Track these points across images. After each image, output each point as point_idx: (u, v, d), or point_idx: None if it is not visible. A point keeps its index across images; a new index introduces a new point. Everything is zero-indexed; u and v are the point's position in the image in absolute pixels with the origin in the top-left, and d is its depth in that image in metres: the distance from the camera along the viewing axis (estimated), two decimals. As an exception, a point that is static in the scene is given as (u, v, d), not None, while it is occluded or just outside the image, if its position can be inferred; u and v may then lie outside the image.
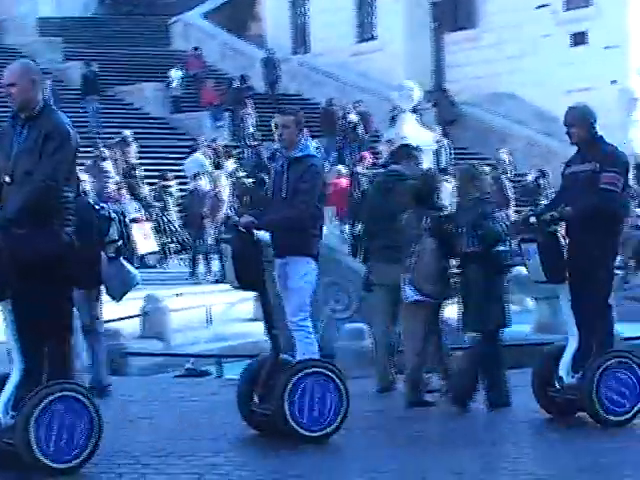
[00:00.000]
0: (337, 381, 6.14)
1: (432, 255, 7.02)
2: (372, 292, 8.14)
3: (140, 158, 22.11)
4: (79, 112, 23.89)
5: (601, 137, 6.59)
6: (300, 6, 31.27)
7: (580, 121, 6.59)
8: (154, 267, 18.63)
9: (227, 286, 9.20)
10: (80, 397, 5.19)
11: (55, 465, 5.05)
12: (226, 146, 22.91)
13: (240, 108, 24.98)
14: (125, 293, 7.15)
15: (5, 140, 5.36)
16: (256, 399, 6.27)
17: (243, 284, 6.31)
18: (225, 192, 18.41)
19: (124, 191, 18.47)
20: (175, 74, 27.09)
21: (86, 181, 12.79)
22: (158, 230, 18.76)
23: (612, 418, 6.24)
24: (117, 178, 19.19)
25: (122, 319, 12.99)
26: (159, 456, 5.74)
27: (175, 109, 27.20)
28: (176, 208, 19.60)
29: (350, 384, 6.49)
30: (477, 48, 26.15)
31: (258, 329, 10.13)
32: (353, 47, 29.54)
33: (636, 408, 6.32)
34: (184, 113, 26.96)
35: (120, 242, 7.05)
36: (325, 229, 8.22)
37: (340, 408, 6.09)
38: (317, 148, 17.04)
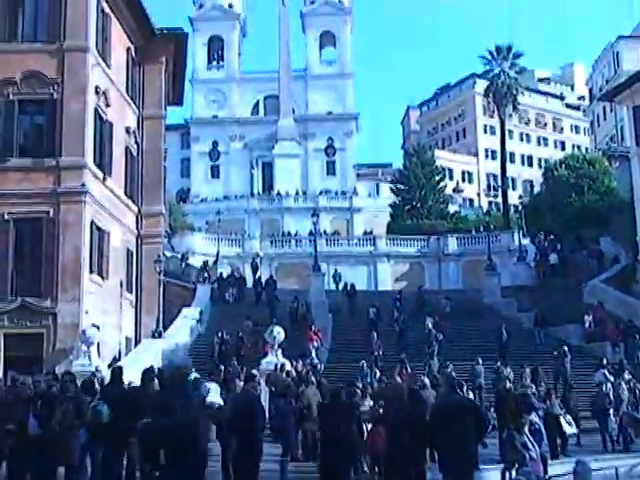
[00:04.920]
0: None
1: None
2: None
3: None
4: (533, 340, 33.35)
5: None
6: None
7: None
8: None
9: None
10: None
11: None
12: (621, 362, 26.26)
13: (631, 341, 30.72)
14: None
15: None
16: None
17: None
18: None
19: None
20: (587, 319, 33.95)
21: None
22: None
23: None
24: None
25: (560, 475, 13.62)
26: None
27: (588, 341, 32.90)
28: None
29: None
30: None
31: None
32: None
33: None
34: (595, 343, 32.46)
35: None
36: None
37: None
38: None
